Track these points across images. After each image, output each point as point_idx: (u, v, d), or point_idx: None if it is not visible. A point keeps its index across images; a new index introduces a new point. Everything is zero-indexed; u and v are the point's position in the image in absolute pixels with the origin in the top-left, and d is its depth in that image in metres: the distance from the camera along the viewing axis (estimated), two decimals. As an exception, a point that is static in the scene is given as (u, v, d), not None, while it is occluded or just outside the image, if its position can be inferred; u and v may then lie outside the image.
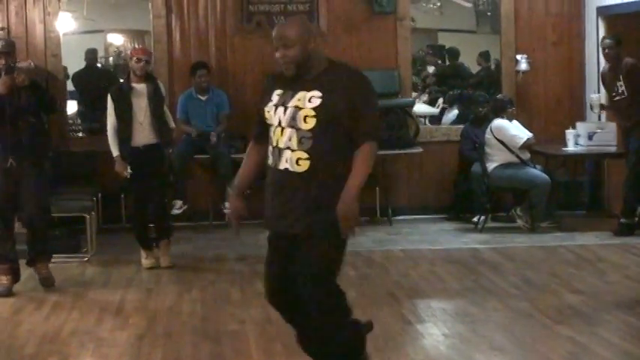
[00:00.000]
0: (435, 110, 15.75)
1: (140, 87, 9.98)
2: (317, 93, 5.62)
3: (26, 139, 9.25)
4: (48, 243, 9.88)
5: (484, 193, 12.59)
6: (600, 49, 12.37)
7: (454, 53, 16.41)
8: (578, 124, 12.81)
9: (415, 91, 14.93)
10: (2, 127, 9.15)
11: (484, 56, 15.61)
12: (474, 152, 12.80)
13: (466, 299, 9.49)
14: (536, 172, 12.63)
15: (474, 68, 16.04)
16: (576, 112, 12.88)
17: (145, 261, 10.77)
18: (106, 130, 10.48)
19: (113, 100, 10.25)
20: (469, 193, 13.02)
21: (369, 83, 5.95)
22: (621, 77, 11.84)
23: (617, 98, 11.96)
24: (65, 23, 13.87)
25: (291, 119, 5.63)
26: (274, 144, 5.73)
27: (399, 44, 13.77)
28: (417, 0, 14.50)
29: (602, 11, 13.27)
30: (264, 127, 5.88)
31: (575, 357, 7.44)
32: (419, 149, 13.25)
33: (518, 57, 13.73)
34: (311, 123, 5.58)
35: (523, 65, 13.70)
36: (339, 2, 13.61)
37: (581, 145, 12.62)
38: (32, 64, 12.85)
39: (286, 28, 5.78)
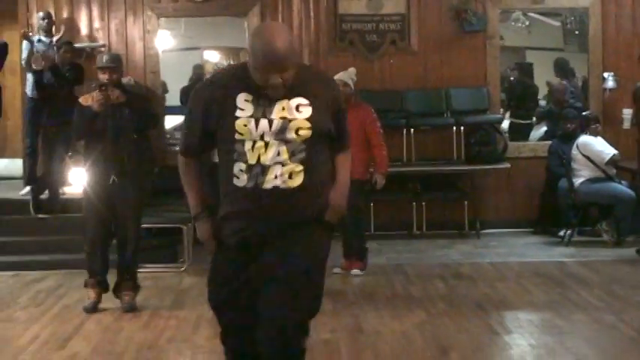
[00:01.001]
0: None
1: None
2: (303, 100, 4.67)
3: (128, 156, 9.10)
4: (137, 266, 9.57)
5: (570, 208, 12.53)
6: None
7: (525, 70, 16.33)
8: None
9: (503, 108, 14.82)
10: (103, 144, 9.03)
11: (569, 72, 15.47)
12: (561, 168, 12.74)
13: (552, 311, 9.45)
14: (621, 187, 12.56)
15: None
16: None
17: None
18: None
19: None
20: (556, 208, 12.97)
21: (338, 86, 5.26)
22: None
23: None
24: (164, 41, 14.02)
25: (279, 132, 4.62)
26: (252, 161, 4.62)
27: (488, 62, 13.78)
28: (506, 19, 14.44)
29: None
30: (209, 141, 4.85)
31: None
32: (507, 165, 13.25)
33: (606, 75, 13.66)
34: (305, 135, 4.64)
35: (610, 83, 13.62)
36: (430, 20, 13.67)
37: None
38: (132, 80, 13.08)
39: (280, 50, 4.48)
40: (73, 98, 10.30)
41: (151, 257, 11.43)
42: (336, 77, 10.24)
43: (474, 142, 13.09)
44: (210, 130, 4.75)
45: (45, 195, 12.36)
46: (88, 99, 9.12)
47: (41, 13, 13.05)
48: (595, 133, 12.64)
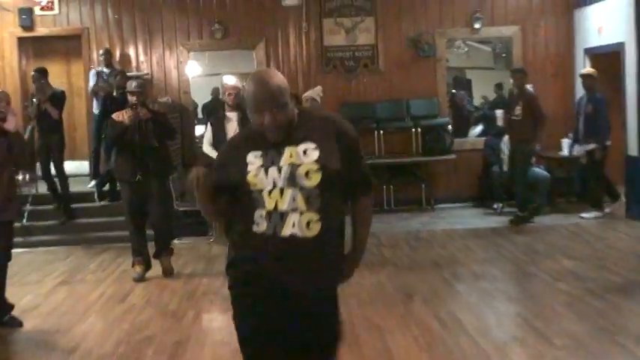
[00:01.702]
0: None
1: (232, 115, 9.68)
2: (310, 145, 3.64)
3: (150, 160, 9.02)
4: (170, 241, 9.59)
5: (501, 187, 12.54)
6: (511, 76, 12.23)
7: (459, 82, 16.36)
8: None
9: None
10: (131, 150, 8.98)
11: (499, 86, 15.44)
12: (493, 157, 12.76)
13: (489, 264, 9.48)
14: (539, 170, 12.55)
15: (492, 96, 15.85)
16: (570, 126, 12.71)
17: None
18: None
19: (212, 125, 9.94)
20: (490, 187, 12.99)
21: (351, 125, 3.86)
22: (520, 102, 11.64)
23: (513, 118, 11.77)
24: (192, 69, 14.01)
25: (289, 178, 3.60)
26: (271, 207, 3.61)
27: (437, 79, 13.77)
28: (450, 46, 14.42)
29: (587, 51, 13.19)
30: (227, 195, 3.79)
31: (570, 305, 7.43)
32: (453, 156, 13.26)
33: (527, 86, 13.63)
34: (316, 178, 3.59)
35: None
36: (394, 49, 13.67)
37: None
38: (170, 99, 13.11)
39: (271, 87, 3.62)
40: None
41: (187, 232, 11.53)
42: (305, 95, 10.18)
43: (428, 139, 13.10)
44: (224, 186, 3.72)
45: (106, 187, 12.37)
46: (120, 115, 9.06)
47: (101, 50, 13.03)
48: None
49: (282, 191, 3.58)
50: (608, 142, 11.73)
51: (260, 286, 3.66)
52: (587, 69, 12.41)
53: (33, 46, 14.17)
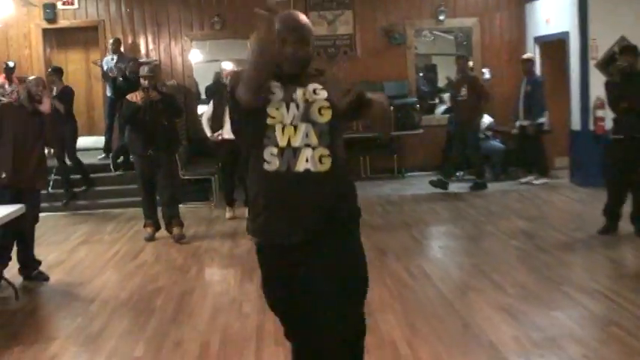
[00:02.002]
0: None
1: None
2: (317, 85, 3.34)
3: (160, 136, 8.93)
4: (177, 210, 9.29)
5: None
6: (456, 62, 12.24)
7: (428, 68, 16.16)
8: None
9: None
10: (143, 127, 8.90)
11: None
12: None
13: (452, 224, 9.53)
14: (495, 143, 12.59)
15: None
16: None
17: (228, 214, 10.37)
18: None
19: (215, 106, 9.98)
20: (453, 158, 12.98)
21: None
22: (466, 85, 11.68)
23: (459, 99, 11.79)
24: (195, 56, 13.96)
25: (304, 113, 3.27)
26: (283, 144, 3.24)
27: (407, 64, 13.73)
28: (418, 35, 14.36)
29: (537, 39, 13.17)
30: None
31: (521, 259, 7.50)
32: (421, 130, 13.23)
33: (484, 70, 13.65)
34: (327, 115, 3.29)
35: (487, 75, 13.60)
36: (369, 39, 13.63)
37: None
38: (175, 82, 13.08)
39: (303, 25, 3.33)
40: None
41: (191, 198, 11.55)
42: None
43: (400, 116, 12.99)
44: (238, 107, 3.34)
45: (120, 160, 12.34)
46: (134, 97, 9.01)
47: (111, 40, 12.96)
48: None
49: (295, 127, 3.26)
50: (542, 120, 11.83)
51: (280, 235, 3.32)
52: (527, 54, 12.55)
53: (56, 36, 14.16)
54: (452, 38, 15.37)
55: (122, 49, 12.95)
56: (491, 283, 6.66)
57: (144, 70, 9.12)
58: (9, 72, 12.39)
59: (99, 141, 13.32)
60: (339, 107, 3.26)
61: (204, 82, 14.16)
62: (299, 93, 3.29)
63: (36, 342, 5.62)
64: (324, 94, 3.31)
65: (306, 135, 3.26)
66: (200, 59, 14.24)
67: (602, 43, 11.24)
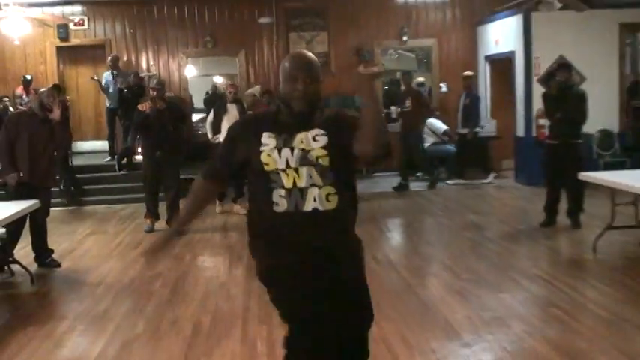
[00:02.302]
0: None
1: (231, 106, 9.71)
2: (320, 131, 2.92)
3: (166, 141, 8.90)
4: (179, 208, 8.97)
5: (422, 160, 12.50)
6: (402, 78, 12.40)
7: (394, 82, 16.09)
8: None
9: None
10: (152, 133, 8.88)
11: (419, 84, 15.34)
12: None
13: (413, 217, 9.52)
14: (449, 147, 12.59)
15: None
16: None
17: (218, 208, 10.23)
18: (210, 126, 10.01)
19: (215, 112, 9.91)
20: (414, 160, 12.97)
21: (353, 113, 3.22)
22: (409, 97, 11.71)
23: (405, 110, 11.78)
24: (190, 71, 13.89)
25: (301, 159, 2.87)
26: (289, 185, 2.87)
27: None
28: (385, 53, 14.34)
29: (487, 58, 13.19)
30: (230, 168, 3.09)
31: (473, 249, 7.49)
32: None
33: (441, 84, 13.66)
34: (324, 163, 2.88)
35: (444, 89, 13.63)
36: (341, 56, 13.56)
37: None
38: (172, 93, 13.00)
39: (312, 62, 3.04)
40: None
41: (185, 194, 11.26)
42: (246, 92, 10.16)
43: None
44: (237, 162, 3.03)
45: (124, 161, 12.23)
46: (144, 106, 8.99)
47: (109, 57, 12.87)
48: (435, 117, 12.68)
49: (296, 171, 2.87)
50: (478, 129, 12.04)
51: (292, 270, 2.94)
52: (467, 72, 12.61)
53: (68, 53, 13.98)
54: (414, 56, 15.36)
55: (120, 64, 12.85)
56: (447, 269, 6.64)
57: (152, 82, 9.15)
58: (27, 84, 12.42)
59: (105, 145, 13.22)
60: (338, 153, 2.91)
61: (197, 93, 14.14)
62: (297, 139, 2.90)
63: (48, 322, 5.54)
64: (323, 141, 2.90)
65: (310, 176, 2.88)
66: (194, 74, 14.18)
67: (544, 61, 11.30)
